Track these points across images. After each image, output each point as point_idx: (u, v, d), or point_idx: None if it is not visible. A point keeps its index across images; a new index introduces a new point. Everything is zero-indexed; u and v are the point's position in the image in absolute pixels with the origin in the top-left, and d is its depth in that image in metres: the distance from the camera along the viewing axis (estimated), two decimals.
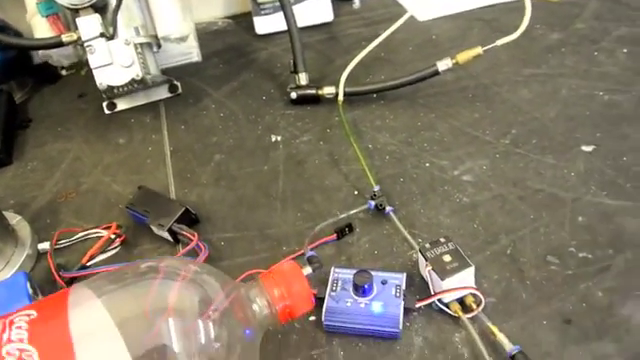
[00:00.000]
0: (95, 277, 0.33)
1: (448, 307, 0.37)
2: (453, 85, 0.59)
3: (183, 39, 0.59)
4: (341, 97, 0.57)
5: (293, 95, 0.58)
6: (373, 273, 0.38)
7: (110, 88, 0.55)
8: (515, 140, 0.51)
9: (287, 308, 0.33)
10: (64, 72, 0.72)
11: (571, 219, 0.43)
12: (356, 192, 0.48)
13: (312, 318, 0.39)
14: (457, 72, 0.61)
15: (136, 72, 0.54)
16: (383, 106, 0.58)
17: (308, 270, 0.35)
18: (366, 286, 0.37)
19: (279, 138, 0.56)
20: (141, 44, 0.56)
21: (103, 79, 0.53)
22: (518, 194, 0.46)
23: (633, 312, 0.37)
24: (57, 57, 0.58)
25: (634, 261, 0.40)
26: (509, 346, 0.34)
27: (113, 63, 0.53)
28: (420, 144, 0.52)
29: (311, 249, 0.42)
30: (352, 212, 0.44)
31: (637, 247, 0.41)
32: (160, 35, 0.58)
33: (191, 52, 0.67)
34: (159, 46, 0.61)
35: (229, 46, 0.72)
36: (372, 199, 0.45)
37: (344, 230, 0.44)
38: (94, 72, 0.54)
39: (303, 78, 0.58)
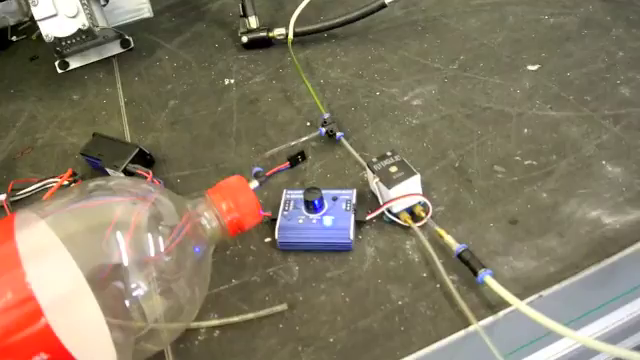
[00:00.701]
0: (41, 202, 0.33)
1: (398, 217, 0.38)
2: (403, 19, 0.60)
3: None
4: (291, 36, 0.57)
5: (244, 39, 0.58)
6: (324, 191, 0.39)
7: (59, 41, 0.54)
8: (463, 65, 0.52)
9: (235, 220, 0.33)
10: (14, 38, 0.71)
11: (517, 131, 0.45)
12: (308, 123, 0.49)
13: (267, 240, 0.39)
14: (408, 7, 0.61)
15: (82, 22, 0.53)
16: (334, 44, 0.58)
17: (255, 184, 0.36)
18: (316, 202, 0.38)
19: (232, 81, 0.56)
20: None
21: (49, 30, 0.53)
22: (466, 113, 0.47)
23: (576, 209, 0.38)
24: (2, 14, 0.57)
25: (576, 164, 0.41)
26: (456, 245, 0.35)
27: (58, 14, 0.53)
28: (371, 75, 0.53)
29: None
30: (303, 139, 0.45)
31: (579, 151, 0.42)
32: None
33: (142, 8, 0.66)
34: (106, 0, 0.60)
35: (180, 1, 0.72)
36: (322, 126, 0.46)
37: (297, 158, 0.44)
38: (39, 25, 0.53)
39: (253, 22, 0.58)
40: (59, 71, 0.63)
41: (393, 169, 0.38)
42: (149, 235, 0.31)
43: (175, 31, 0.66)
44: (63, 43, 0.56)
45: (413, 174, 0.38)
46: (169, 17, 0.69)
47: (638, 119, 0.44)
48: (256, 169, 0.40)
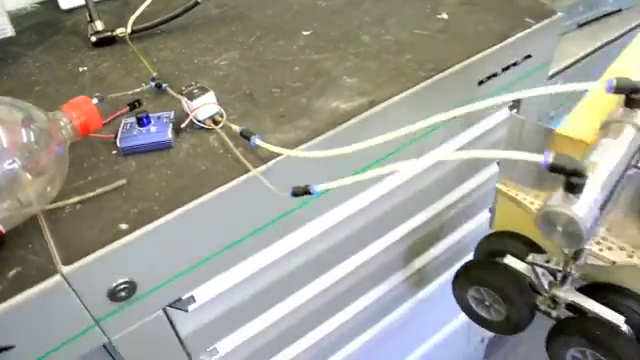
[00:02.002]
0: None
1: (204, 123, 0.56)
2: (217, 14, 0.80)
3: None
4: (129, 32, 0.74)
5: (93, 39, 0.74)
6: (151, 115, 0.56)
7: None
8: (259, 37, 0.72)
9: (83, 122, 0.49)
10: None
11: (290, 69, 0.65)
12: (144, 84, 0.66)
13: (114, 152, 0.55)
14: (221, 7, 0.81)
15: None
16: (166, 36, 0.76)
17: (95, 100, 0.52)
18: (144, 119, 0.55)
19: (85, 68, 0.71)
20: None
21: None
22: (258, 64, 0.67)
23: (323, 103, 0.58)
24: None
25: (328, 80, 0.62)
26: (239, 128, 0.54)
27: None
28: (192, 52, 0.71)
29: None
30: (137, 90, 0.62)
31: (330, 74, 0.63)
32: None
33: (5, 28, 0.80)
34: None
35: (39, 22, 0.86)
36: (152, 81, 0.63)
37: (134, 103, 0.61)
38: None
39: (99, 25, 0.75)
40: None
41: (195, 91, 0.56)
42: (23, 130, 0.45)
43: (36, 43, 0.80)
44: None
45: (208, 91, 0.56)
46: (30, 34, 0.83)
47: (370, 53, 0.66)
48: (96, 95, 0.56)
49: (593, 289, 0.65)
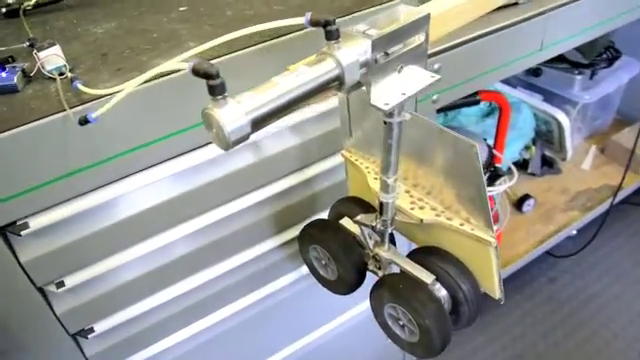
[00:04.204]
0: None
1: (51, 73, 0.63)
2: None
3: None
4: (32, 3, 0.83)
5: (2, 10, 0.84)
6: (8, 65, 0.64)
7: None
8: (142, 13, 0.80)
9: None
10: None
11: (151, 34, 0.72)
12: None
13: None
14: None
15: None
16: (68, 10, 0.85)
17: None
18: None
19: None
20: None
21: None
22: (135, 30, 0.74)
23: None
24: None
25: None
26: (69, 76, 0.61)
27: None
28: (80, 23, 0.79)
29: None
30: (13, 47, 0.70)
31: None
32: None
33: None
34: None
35: None
36: (27, 42, 0.71)
37: (7, 59, 0.69)
38: None
39: None
40: None
41: (45, 45, 0.64)
42: None
43: None
44: None
45: (54, 45, 0.63)
46: None
47: (223, 24, 0.72)
48: None
49: (421, 252, 0.68)
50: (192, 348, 0.88)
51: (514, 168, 1.28)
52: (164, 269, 0.77)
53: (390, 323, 0.67)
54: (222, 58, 0.65)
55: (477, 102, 1.19)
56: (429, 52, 0.85)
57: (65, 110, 0.58)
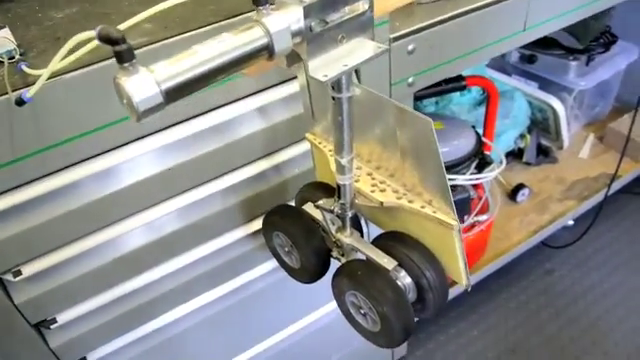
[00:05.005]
0: None
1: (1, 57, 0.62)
2: None
3: None
4: None
5: None
6: None
7: None
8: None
9: None
10: None
11: (109, 17, 0.70)
12: None
13: None
14: None
15: None
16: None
17: None
18: None
19: None
20: None
21: None
22: (91, 13, 0.72)
23: None
24: None
25: None
26: (18, 58, 0.59)
27: None
28: (44, 9, 0.78)
29: None
30: None
31: None
32: None
33: None
34: None
35: None
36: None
37: None
38: None
39: None
40: None
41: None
42: None
43: None
44: None
45: (3, 28, 0.62)
46: None
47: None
48: None
49: (385, 238, 0.66)
50: (159, 342, 0.86)
51: (503, 156, 1.25)
52: (126, 259, 0.75)
53: (353, 312, 0.64)
54: (176, 38, 0.64)
55: (463, 87, 1.15)
56: (403, 32, 0.83)
57: (7, 93, 0.56)
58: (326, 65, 0.45)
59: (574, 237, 1.59)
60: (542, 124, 1.69)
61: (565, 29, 1.61)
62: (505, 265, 1.49)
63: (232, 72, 0.40)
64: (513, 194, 1.55)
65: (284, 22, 0.41)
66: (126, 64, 0.35)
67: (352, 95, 0.51)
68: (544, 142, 1.70)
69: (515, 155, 1.67)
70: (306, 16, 0.42)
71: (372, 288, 0.59)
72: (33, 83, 0.57)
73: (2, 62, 0.61)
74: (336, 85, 0.50)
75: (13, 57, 0.62)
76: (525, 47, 1.60)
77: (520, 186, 1.55)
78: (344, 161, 0.57)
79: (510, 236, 1.50)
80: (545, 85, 1.63)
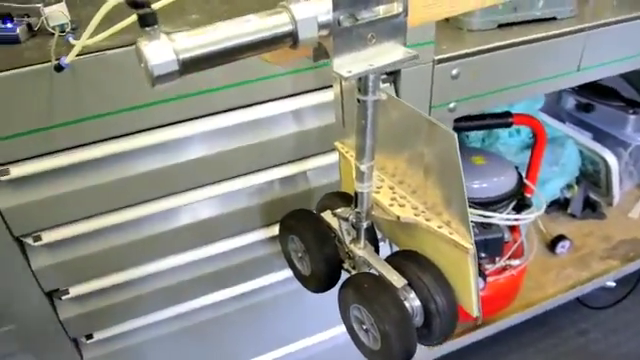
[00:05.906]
0: None
1: (53, 29, 0.65)
2: None
3: None
4: None
5: None
6: (17, 18, 0.66)
7: None
8: None
9: None
10: None
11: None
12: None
13: None
14: None
15: None
16: None
17: None
18: (6, 18, 0.65)
19: None
20: None
21: None
22: None
23: None
24: None
25: None
26: (69, 30, 0.62)
27: None
28: None
29: None
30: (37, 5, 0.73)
31: None
32: None
33: None
34: None
35: None
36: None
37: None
38: None
39: None
40: None
41: (53, 1, 0.65)
42: None
43: None
44: None
45: (60, 2, 0.65)
46: None
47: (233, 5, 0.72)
48: None
49: (400, 256, 0.64)
50: (165, 334, 0.86)
51: (544, 201, 1.20)
52: (143, 243, 0.76)
53: (356, 327, 0.62)
54: None
55: (509, 124, 1.12)
56: (448, 55, 0.82)
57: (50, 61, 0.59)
58: (352, 63, 0.45)
59: (614, 299, 1.50)
60: (592, 177, 1.62)
61: (627, 80, 1.56)
62: (536, 317, 1.41)
63: (252, 54, 0.40)
64: (553, 245, 1.49)
65: (312, 11, 0.41)
66: (148, 28, 0.36)
67: (378, 99, 0.51)
68: (593, 196, 1.62)
69: (560, 205, 1.60)
70: (335, 8, 0.42)
71: (376, 303, 0.57)
72: (80, 54, 0.60)
73: (53, 34, 0.65)
74: (362, 87, 0.50)
75: (64, 30, 0.65)
76: (582, 95, 1.55)
77: (561, 237, 1.48)
78: (364, 167, 0.55)
79: (544, 288, 1.43)
80: (600, 137, 1.57)
